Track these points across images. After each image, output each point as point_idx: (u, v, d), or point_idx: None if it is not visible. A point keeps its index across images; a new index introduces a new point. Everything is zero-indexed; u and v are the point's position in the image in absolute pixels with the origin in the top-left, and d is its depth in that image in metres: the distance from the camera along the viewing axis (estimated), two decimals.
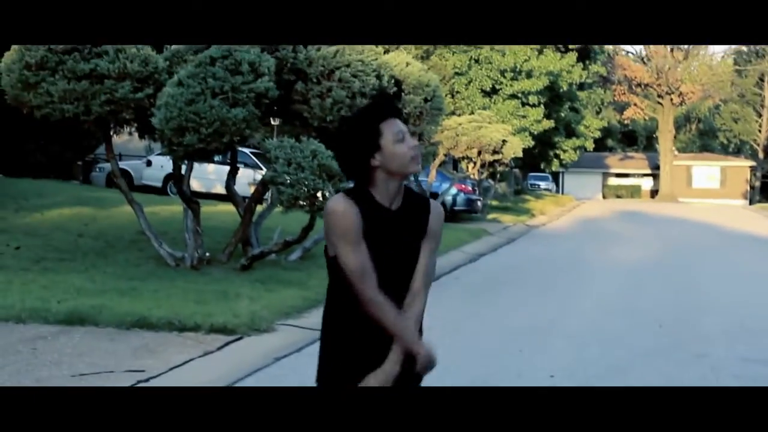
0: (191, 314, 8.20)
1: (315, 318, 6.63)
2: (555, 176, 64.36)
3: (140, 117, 11.06)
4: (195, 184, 16.94)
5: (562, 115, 40.19)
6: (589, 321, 10.11)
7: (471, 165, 26.18)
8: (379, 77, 11.91)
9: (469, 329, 9.35)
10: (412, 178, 21.50)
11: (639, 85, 65.51)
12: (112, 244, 12.73)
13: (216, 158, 17.73)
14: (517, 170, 44.59)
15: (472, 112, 28.58)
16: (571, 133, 43.61)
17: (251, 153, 22.76)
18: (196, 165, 12.58)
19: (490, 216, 27.96)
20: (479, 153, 24.90)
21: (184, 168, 12.02)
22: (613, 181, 70.43)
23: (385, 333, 3.09)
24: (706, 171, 67.67)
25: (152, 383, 6.25)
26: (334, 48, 11.40)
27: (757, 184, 68.37)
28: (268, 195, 13.04)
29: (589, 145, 47.38)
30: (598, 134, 48.85)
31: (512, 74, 33.90)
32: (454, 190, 25.29)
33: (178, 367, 6.76)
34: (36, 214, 14.87)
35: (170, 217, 14.99)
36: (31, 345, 7.10)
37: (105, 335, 7.58)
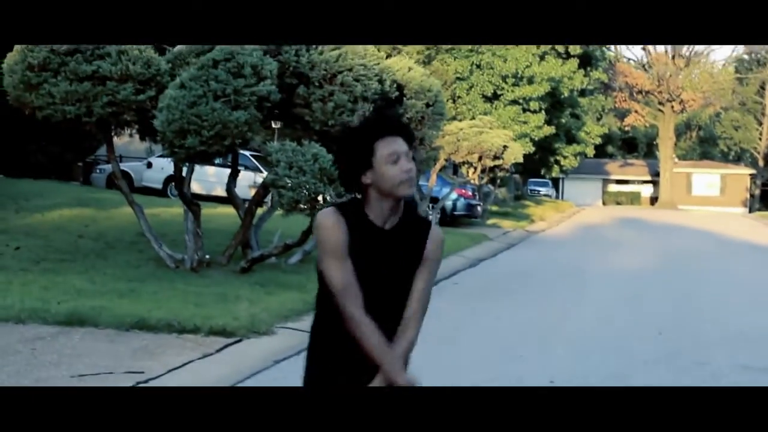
0: (191, 316, 8.20)
1: None
2: (555, 182, 64.35)
3: (142, 119, 11.07)
4: (195, 187, 16.95)
5: (563, 121, 40.25)
6: (589, 327, 10.11)
7: (471, 170, 26.19)
8: (381, 82, 11.92)
9: (469, 334, 9.35)
10: None
11: (640, 92, 65.57)
12: (112, 245, 12.74)
13: (216, 161, 17.77)
14: (517, 176, 44.61)
15: (473, 118, 28.62)
16: (571, 139, 43.65)
17: (252, 156, 22.76)
18: (196, 167, 12.58)
19: (490, 221, 27.97)
20: (480, 158, 24.90)
21: (185, 170, 12.02)
22: (613, 187, 70.45)
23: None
24: (706, 179, 67.69)
25: (151, 385, 6.25)
26: (336, 52, 11.41)
27: (757, 192, 68.35)
28: (268, 198, 13.03)
29: (590, 151, 47.41)
30: (598, 141, 48.90)
31: (514, 80, 33.95)
32: (454, 195, 25.31)
33: (177, 369, 6.75)
34: (36, 214, 14.87)
35: (170, 219, 14.99)
36: (30, 345, 7.09)
37: (104, 336, 7.58)
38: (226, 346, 7.59)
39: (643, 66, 67.81)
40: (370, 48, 12.07)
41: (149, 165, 24.83)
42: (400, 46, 27.03)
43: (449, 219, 24.94)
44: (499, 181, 30.41)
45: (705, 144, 79.26)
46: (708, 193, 66.85)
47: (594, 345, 8.99)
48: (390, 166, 2.96)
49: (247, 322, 8.21)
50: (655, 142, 72.57)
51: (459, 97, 33.70)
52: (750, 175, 67.62)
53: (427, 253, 3.10)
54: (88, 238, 13.08)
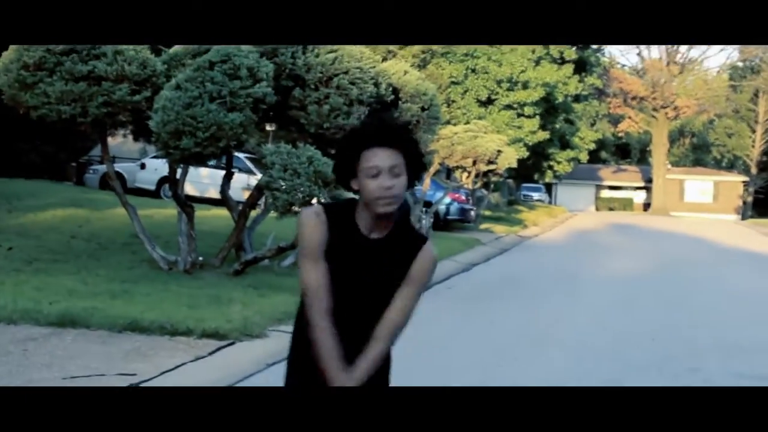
0: (183, 318, 8.16)
1: None
2: (548, 187, 64.47)
3: (137, 120, 11.05)
4: (189, 188, 16.93)
5: (557, 126, 40.35)
6: (582, 332, 10.11)
7: (465, 174, 26.19)
8: (376, 85, 11.92)
9: (463, 338, 9.34)
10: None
11: (634, 98, 65.73)
12: (105, 246, 12.70)
13: (210, 162, 17.75)
14: (510, 181, 44.66)
15: (467, 122, 28.63)
16: (565, 144, 43.74)
17: (246, 158, 22.75)
18: (190, 169, 12.55)
19: (483, 226, 27.97)
20: (474, 163, 24.91)
21: (179, 172, 11.99)
22: (605, 193, 70.57)
23: (344, 347, 2.95)
24: (699, 185, 67.87)
25: (143, 387, 6.22)
26: (332, 55, 11.40)
27: (750, 199, 68.57)
28: (261, 200, 13.02)
29: (583, 157, 47.52)
30: (592, 146, 49.02)
31: (508, 85, 33.99)
32: (447, 199, 25.30)
33: (170, 371, 6.73)
34: (29, 214, 14.83)
35: (163, 221, 14.95)
36: (22, 346, 7.06)
37: (97, 338, 7.55)
38: (218, 349, 7.56)
39: (638, 72, 67.98)
40: (366, 51, 12.07)
41: (143, 166, 24.81)
42: (395, 50, 27.05)
43: (442, 223, 24.93)
44: (492, 185, 30.44)
45: (698, 151, 79.51)
46: (701, 199, 67.02)
47: (587, 350, 8.98)
48: (369, 179, 2.84)
49: (240, 325, 8.18)
50: (648, 149, 72.79)
51: (454, 101, 33.72)
52: (743, 182, 67.81)
53: (412, 271, 2.96)
54: (81, 239, 13.04)
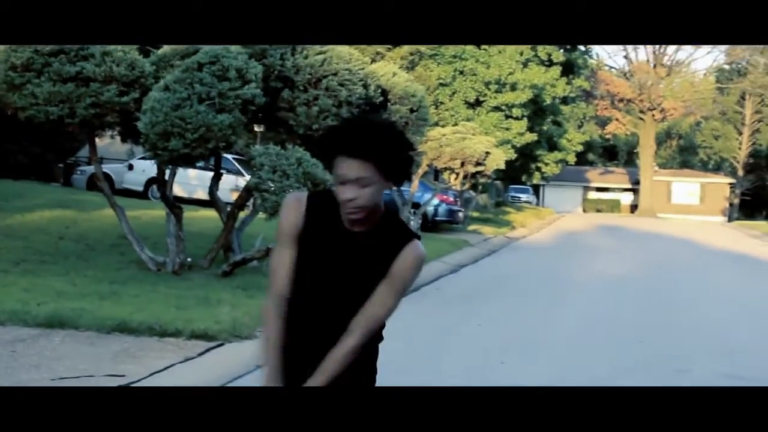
0: (172, 320, 8.16)
1: None
2: (536, 189, 64.57)
3: (125, 121, 11.03)
4: (176, 189, 16.88)
5: (545, 128, 40.44)
6: (571, 335, 10.14)
7: (453, 176, 26.23)
8: (365, 86, 11.94)
9: (451, 340, 9.36)
10: (393, 188, 21.52)
11: (621, 100, 65.90)
12: (93, 247, 12.67)
13: (198, 164, 17.72)
14: (498, 182, 44.72)
15: (455, 124, 28.68)
16: (553, 146, 43.84)
17: (234, 159, 22.72)
18: (178, 170, 12.54)
19: (471, 227, 28.01)
20: (462, 164, 24.94)
21: (167, 173, 11.97)
22: (593, 195, 70.72)
23: (312, 341, 2.92)
24: (686, 187, 68.09)
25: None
26: (321, 56, 11.42)
27: (736, 201, 68.86)
28: (249, 201, 13.01)
29: (571, 158, 47.64)
30: (579, 148, 49.11)
31: (496, 86, 34.06)
32: (435, 201, 25.32)
33: (159, 372, 6.73)
34: (16, 215, 14.78)
35: (151, 222, 14.93)
36: (10, 348, 7.04)
37: (85, 339, 7.54)
38: (207, 350, 7.56)
39: (625, 74, 68.18)
40: (355, 53, 12.09)
41: (130, 167, 24.75)
42: (383, 51, 27.06)
43: (430, 224, 24.95)
44: (480, 187, 30.48)
45: (685, 153, 79.79)
46: (688, 201, 67.25)
47: (575, 351, 9.01)
48: (338, 185, 2.76)
49: (229, 326, 8.18)
50: (635, 151, 72.96)
51: (442, 102, 33.78)
52: (729, 184, 68.09)
53: (393, 268, 2.84)
54: (68, 240, 13.01)
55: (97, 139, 12.08)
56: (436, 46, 31.61)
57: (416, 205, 24.02)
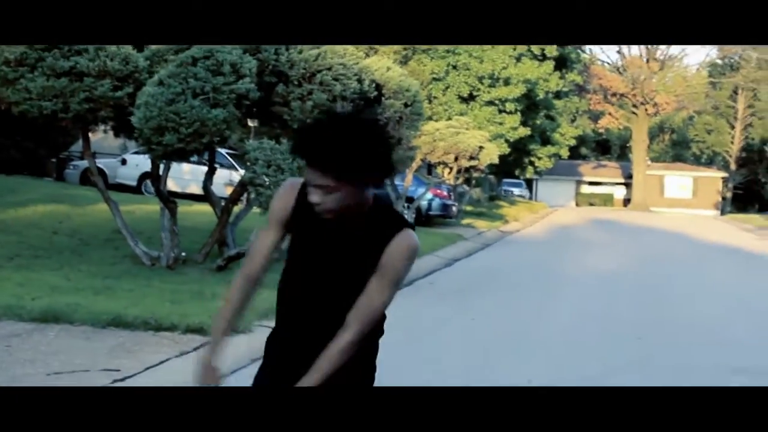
0: (167, 314, 8.15)
1: None
2: (529, 183, 64.62)
3: (118, 115, 10.99)
4: (170, 184, 16.88)
5: (538, 122, 40.44)
6: (565, 329, 10.17)
7: (447, 170, 26.24)
8: (360, 81, 11.93)
9: (445, 335, 9.37)
10: (387, 182, 21.52)
11: (614, 94, 65.95)
12: (87, 242, 12.65)
13: (192, 158, 17.70)
14: (491, 176, 44.74)
15: (449, 118, 28.67)
16: (546, 140, 43.85)
17: (227, 154, 22.70)
18: (171, 165, 12.52)
19: (465, 221, 28.04)
20: (456, 158, 24.95)
21: (161, 168, 11.96)
22: (586, 189, 70.79)
23: (304, 333, 2.92)
24: (679, 181, 68.20)
25: (128, 383, 6.21)
26: (315, 51, 11.40)
27: (729, 194, 69.01)
28: (243, 196, 13.00)
29: (564, 152, 47.64)
30: (573, 142, 49.14)
31: (490, 81, 34.05)
32: (429, 195, 25.36)
33: (155, 366, 6.72)
34: (10, 210, 14.75)
35: (145, 217, 14.92)
36: (5, 342, 7.03)
37: (80, 333, 7.52)
38: (203, 344, 7.54)
39: (618, 69, 68.20)
40: (350, 47, 12.08)
41: (123, 162, 24.72)
42: (377, 46, 27.02)
43: (424, 219, 24.99)
44: (473, 181, 30.48)
45: (678, 147, 79.94)
46: (680, 195, 67.37)
47: (569, 345, 9.04)
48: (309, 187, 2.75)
49: None
50: (628, 145, 73.05)
51: (435, 97, 33.76)
52: (722, 178, 68.22)
53: (383, 258, 2.78)
54: (62, 235, 12.99)
55: (90, 134, 12.06)
56: None
57: (410, 200, 24.05)
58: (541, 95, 37.97)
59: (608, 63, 70.33)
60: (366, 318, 2.82)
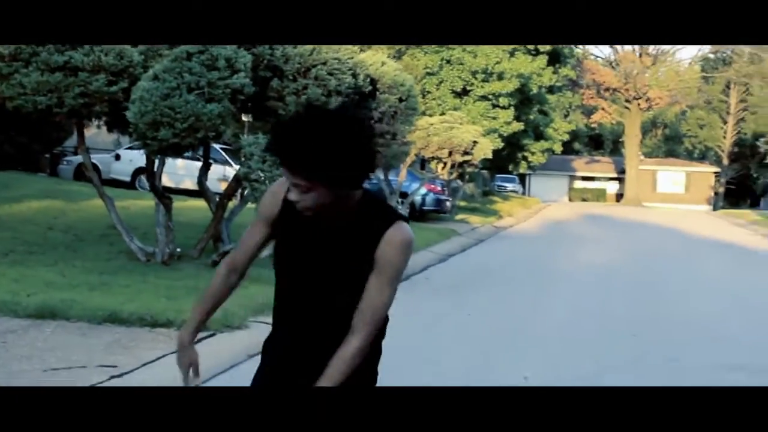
0: (163, 310, 8.13)
1: None
2: (522, 178, 64.70)
3: (113, 110, 10.95)
4: (164, 179, 16.80)
5: (531, 117, 40.44)
6: (560, 324, 10.18)
7: (441, 165, 26.24)
8: (354, 76, 11.92)
9: (440, 332, 9.38)
10: (381, 177, 21.52)
11: (607, 89, 66.03)
12: (82, 237, 12.62)
13: (185, 154, 17.65)
14: (484, 171, 44.77)
15: (443, 113, 28.66)
16: (539, 135, 43.88)
17: (221, 149, 22.67)
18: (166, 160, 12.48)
19: (459, 216, 28.04)
20: (450, 153, 24.95)
21: (156, 163, 11.92)
22: (579, 184, 70.93)
23: (300, 332, 2.88)
24: (672, 176, 68.38)
25: (125, 379, 6.20)
26: (310, 46, 11.38)
27: (721, 189, 69.17)
28: (237, 191, 12.98)
29: (557, 147, 47.69)
30: (566, 137, 49.20)
31: (483, 76, 34.03)
32: (423, 190, 25.35)
33: (151, 363, 6.70)
34: (4, 206, 14.70)
35: (140, 212, 14.89)
36: (1, 339, 7.01)
37: (76, 330, 7.50)
38: (199, 340, 7.44)
39: (611, 64, 68.29)
40: None
41: (117, 157, 24.66)
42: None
43: (418, 214, 24.98)
44: (467, 176, 30.48)
45: (670, 142, 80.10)
46: (673, 190, 67.54)
47: (563, 340, 9.05)
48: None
49: (221, 316, 8.13)
50: (621, 140, 73.18)
51: (429, 92, 33.73)
52: (714, 173, 68.38)
53: (377, 255, 2.71)
54: (57, 231, 12.96)
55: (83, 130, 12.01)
56: None
57: (404, 195, 24.05)
58: (535, 90, 37.97)
59: (601, 58, 70.46)
60: (372, 319, 2.76)
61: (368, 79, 12.59)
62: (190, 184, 21.08)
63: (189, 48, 10.29)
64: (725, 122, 70.52)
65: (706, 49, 70.48)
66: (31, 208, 14.80)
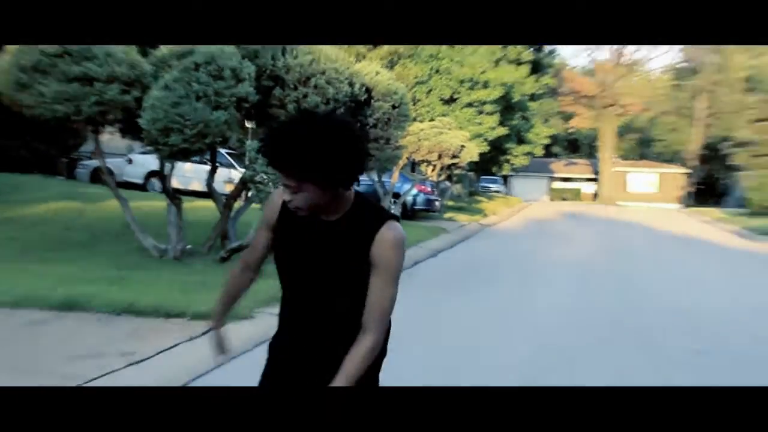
0: (176, 302, 8.19)
1: None
2: (505, 179, 64.75)
3: (126, 117, 11.01)
4: (173, 182, 16.85)
5: (514, 123, 40.50)
6: (545, 315, 10.24)
7: (431, 168, 26.31)
8: (351, 84, 11.98)
9: (430, 326, 9.43)
10: (375, 179, 21.58)
11: (584, 96, 66.18)
12: (99, 236, 12.66)
13: (193, 158, 17.68)
14: (471, 173, 44.81)
15: (432, 119, 28.72)
16: (521, 140, 43.94)
17: (226, 153, 22.70)
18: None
19: (447, 215, 28.11)
20: (439, 157, 25.02)
21: (167, 167, 11.97)
22: (557, 184, 71.00)
23: (300, 332, 2.86)
24: (644, 177, 68.50)
25: (142, 365, 6.25)
26: (310, 56, 11.44)
27: (692, 189, 69.34)
28: (243, 193, 13.04)
29: (538, 151, 47.75)
30: (546, 141, 49.24)
31: (470, 84, 34.09)
32: (414, 191, 25.44)
33: (166, 350, 6.76)
34: (25, 207, 14.72)
35: (152, 212, 14.91)
36: (27, 328, 7.06)
37: (96, 320, 7.56)
38: (210, 330, 7.58)
39: (588, 73, 68.38)
40: (341, 53, 12.12)
41: (130, 161, 24.65)
42: (365, 52, 27.06)
43: (410, 213, 25.07)
44: (455, 178, 30.52)
45: (643, 145, 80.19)
46: (646, 190, 67.68)
47: (551, 331, 9.11)
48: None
49: None
50: (595, 144, 73.28)
51: (419, 99, 33.77)
52: (686, 174, 68.56)
53: (373, 256, 2.67)
54: (75, 230, 12.99)
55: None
56: (413, 46, 31.61)
57: (396, 195, 24.14)
58: (517, 97, 38.05)
59: (579, 67, 70.57)
60: (380, 317, 2.73)
61: (364, 88, 12.65)
62: (198, 186, 21.13)
63: (197, 59, 10.34)
64: (693, 127, 70.64)
65: (678, 58, 70.66)
66: (50, 209, 14.82)
